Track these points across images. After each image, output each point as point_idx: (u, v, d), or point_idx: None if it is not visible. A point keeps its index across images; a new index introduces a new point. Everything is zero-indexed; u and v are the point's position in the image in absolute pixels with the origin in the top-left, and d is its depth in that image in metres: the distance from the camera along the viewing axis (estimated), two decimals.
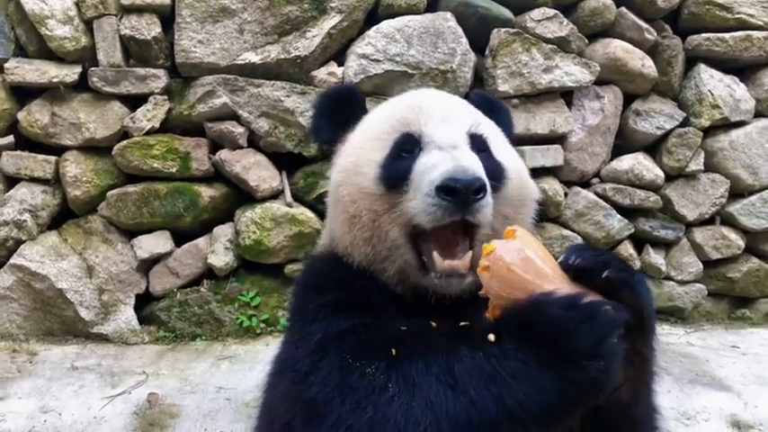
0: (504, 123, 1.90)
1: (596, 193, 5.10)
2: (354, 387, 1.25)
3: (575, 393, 1.14)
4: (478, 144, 1.62)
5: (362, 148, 1.65)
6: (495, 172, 1.58)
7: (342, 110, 1.80)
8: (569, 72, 4.82)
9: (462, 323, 1.39)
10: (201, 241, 4.69)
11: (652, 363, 1.37)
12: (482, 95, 2.06)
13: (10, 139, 4.54)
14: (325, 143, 1.85)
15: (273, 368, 1.65)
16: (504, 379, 1.16)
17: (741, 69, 5.30)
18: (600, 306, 1.17)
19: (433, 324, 1.43)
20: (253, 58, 4.50)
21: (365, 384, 1.24)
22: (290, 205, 4.62)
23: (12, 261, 4.49)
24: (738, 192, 5.30)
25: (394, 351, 1.29)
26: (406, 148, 1.58)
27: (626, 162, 5.10)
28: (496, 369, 1.17)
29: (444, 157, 1.48)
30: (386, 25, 4.59)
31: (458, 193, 1.37)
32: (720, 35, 5.07)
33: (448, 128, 1.60)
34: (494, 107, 1.94)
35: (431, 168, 1.46)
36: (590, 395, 1.15)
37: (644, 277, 1.32)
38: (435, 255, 1.45)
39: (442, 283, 1.44)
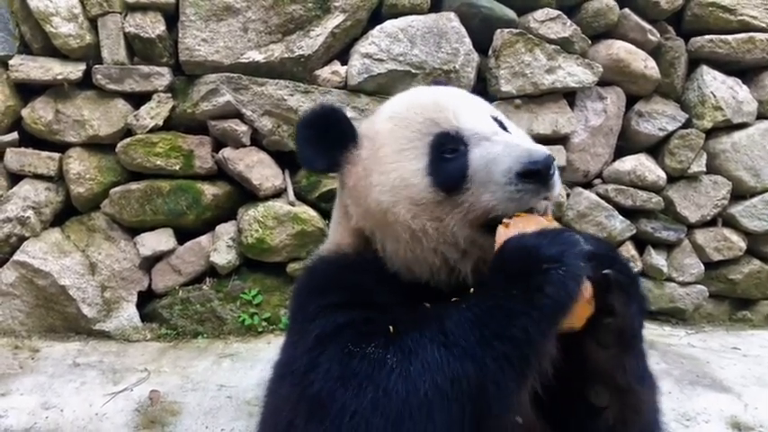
0: None
1: (598, 194, 5.11)
2: (356, 371, 1.25)
3: (541, 304, 1.18)
4: (501, 127, 1.63)
5: (398, 161, 1.57)
6: None
7: (328, 132, 1.69)
8: (572, 73, 4.83)
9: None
10: (204, 239, 4.71)
11: (638, 390, 1.36)
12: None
13: (14, 135, 4.55)
14: (323, 171, 1.76)
15: (275, 373, 1.62)
16: (482, 318, 1.21)
17: (744, 71, 5.30)
18: (566, 230, 1.26)
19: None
20: (256, 56, 4.51)
21: (365, 365, 1.25)
22: (292, 204, 4.63)
23: (15, 258, 4.51)
24: (740, 193, 5.31)
25: (391, 328, 1.31)
26: (448, 147, 1.53)
27: (628, 163, 5.11)
28: (476, 312, 1.23)
29: (503, 145, 1.46)
30: (389, 25, 4.60)
31: (539, 174, 1.36)
32: (723, 37, 5.07)
33: (479, 116, 1.60)
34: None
35: (496, 158, 1.43)
36: (559, 304, 1.18)
37: (644, 297, 1.33)
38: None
39: None
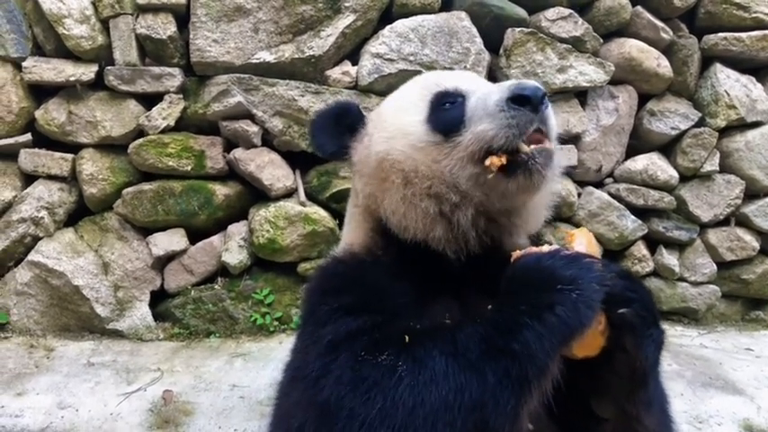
0: None
1: (610, 194, 5.09)
2: (366, 378, 1.25)
3: (551, 322, 1.18)
4: None
5: (398, 116, 1.63)
6: None
7: (340, 121, 1.77)
8: (584, 72, 4.80)
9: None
10: (216, 239, 4.73)
11: (643, 416, 1.36)
12: None
13: (28, 137, 4.59)
14: (333, 155, 1.81)
15: (285, 376, 1.63)
16: (489, 331, 1.22)
17: (758, 69, 5.26)
18: (584, 256, 1.26)
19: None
20: (267, 57, 4.51)
21: (376, 373, 1.25)
22: (303, 204, 4.64)
23: (29, 258, 4.55)
24: (754, 193, 5.27)
25: (407, 338, 1.31)
26: (447, 100, 1.58)
27: (640, 162, 5.08)
28: (485, 326, 1.23)
29: (498, 87, 1.50)
30: (400, 24, 4.59)
31: (529, 100, 1.41)
32: (737, 34, 5.03)
33: (481, 82, 1.65)
34: None
35: (489, 95, 1.48)
36: (567, 326, 1.18)
37: (661, 336, 1.32)
38: (520, 145, 1.43)
39: (537, 163, 1.42)
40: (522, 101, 1.41)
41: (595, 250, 1.37)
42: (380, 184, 1.60)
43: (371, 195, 1.64)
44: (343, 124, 1.74)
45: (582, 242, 1.37)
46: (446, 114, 1.54)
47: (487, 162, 1.44)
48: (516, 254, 1.34)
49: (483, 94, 1.51)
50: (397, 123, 1.60)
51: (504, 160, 1.43)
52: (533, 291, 1.24)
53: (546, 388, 1.23)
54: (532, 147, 1.43)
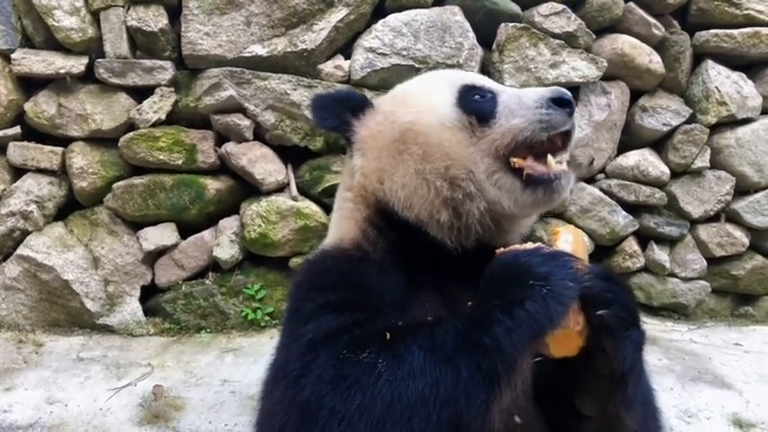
0: None
1: (601, 189, 5.11)
2: (347, 375, 1.25)
3: (520, 317, 1.18)
4: None
5: (428, 95, 1.64)
6: None
7: (343, 103, 1.76)
8: (576, 67, 4.80)
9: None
10: (207, 234, 4.71)
11: (623, 416, 1.35)
12: None
13: (17, 129, 4.55)
14: (333, 128, 1.79)
15: (268, 375, 1.60)
16: (465, 326, 1.23)
17: (749, 66, 5.29)
18: (562, 254, 1.27)
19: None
20: (259, 50, 4.49)
21: (357, 371, 1.25)
22: (295, 199, 4.62)
23: (18, 252, 4.51)
24: (744, 189, 5.30)
25: (388, 335, 1.30)
26: (477, 92, 1.60)
27: (632, 158, 5.10)
28: (462, 320, 1.24)
29: (532, 90, 1.58)
30: (393, 19, 4.58)
31: (567, 104, 1.50)
32: (729, 31, 5.05)
33: (501, 86, 1.68)
34: None
35: (526, 93, 1.56)
36: (536, 321, 1.18)
37: (640, 337, 1.31)
38: (549, 158, 1.50)
39: (557, 184, 1.48)
40: (563, 103, 1.50)
41: (582, 248, 1.36)
42: (396, 156, 1.57)
43: (378, 171, 1.61)
44: (346, 106, 1.73)
45: (567, 240, 1.37)
46: (477, 104, 1.57)
47: (513, 161, 1.49)
48: (499, 251, 1.35)
49: (515, 93, 1.59)
50: (426, 101, 1.61)
51: (529, 164, 1.48)
52: (507, 286, 1.24)
53: (516, 384, 1.22)
54: (558, 167, 1.49)
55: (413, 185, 1.54)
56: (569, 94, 1.52)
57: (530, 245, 1.34)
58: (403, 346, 1.25)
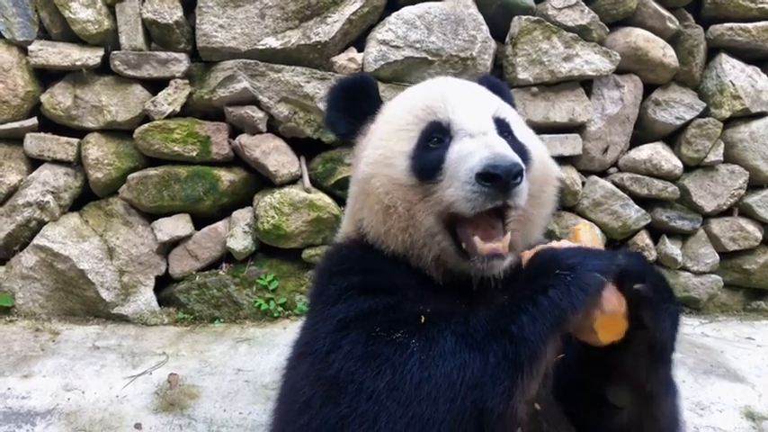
0: (511, 105, 1.94)
1: (614, 183, 5.09)
2: (378, 353, 1.28)
3: (544, 305, 1.21)
4: (503, 128, 1.66)
5: (389, 140, 1.65)
6: (521, 154, 1.58)
7: (356, 101, 1.80)
8: (589, 61, 4.79)
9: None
10: (221, 225, 4.74)
11: (661, 397, 1.39)
12: (488, 79, 2.08)
13: (33, 121, 4.59)
14: (342, 136, 1.84)
15: (293, 352, 1.66)
16: (496, 314, 1.27)
17: (763, 60, 5.24)
18: (592, 249, 1.31)
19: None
20: (273, 43, 4.51)
21: (388, 349, 1.28)
22: (308, 191, 4.65)
23: (35, 242, 4.57)
24: (757, 183, 5.27)
25: (423, 319, 1.34)
26: (435, 137, 1.60)
27: (644, 152, 5.08)
28: (497, 310, 1.28)
29: (479, 145, 1.50)
30: (406, 11, 4.58)
31: (498, 179, 1.40)
32: (743, 25, 5.01)
33: (475, 114, 1.62)
34: (500, 90, 1.98)
35: (467, 156, 1.48)
36: (558, 308, 1.21)
37: (677, 312, 1.33)
38: (476, 239, 1.48)
39: (485, 266, 1.47)
40: (491, 179, 1.41)
41: (598, 244, 1.41)
42: (364, 197, 1.66)
43: (357, 198, 1.72)
44: (360, 104, 1.76)
45: (587, 237, 1.41)
46: (428, 156, 1.57)
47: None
48: (533, 250, 1.39)
49: (465, 147, 1.52)
50: (386, 149, 1.64)
51: (467, 235, 1.51)
52: (537, 277, 1.28)
53: (540, 373, 1.25)
54: (488, 246, 1.46)
55: (381, 231, 1.62)
56: (504, 164, 1.40)
57: (565, 242, 1.38)
58: (437, 330, 1.29)
